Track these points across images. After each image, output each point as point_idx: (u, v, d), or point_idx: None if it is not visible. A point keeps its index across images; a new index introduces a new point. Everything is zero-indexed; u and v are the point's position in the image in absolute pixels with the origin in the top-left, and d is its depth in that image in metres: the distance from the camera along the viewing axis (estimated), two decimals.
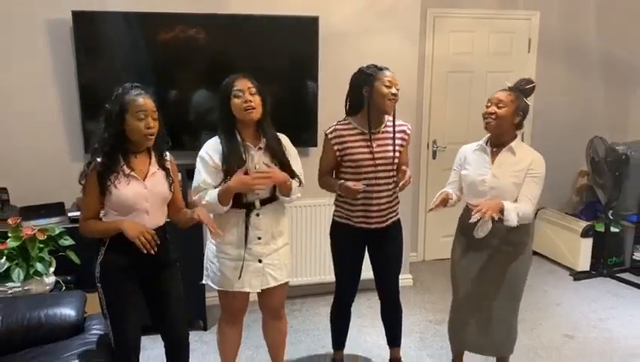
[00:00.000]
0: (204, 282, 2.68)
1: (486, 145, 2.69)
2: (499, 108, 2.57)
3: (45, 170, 3.43)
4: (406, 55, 3.92)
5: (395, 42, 3.88)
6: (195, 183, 2.51)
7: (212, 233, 2.40)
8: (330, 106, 3.67)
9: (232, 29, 3.52)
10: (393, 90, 2.62)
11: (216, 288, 2.62)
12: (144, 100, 2.23)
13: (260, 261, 2.56)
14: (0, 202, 3.27)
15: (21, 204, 3.29)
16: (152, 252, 2.21)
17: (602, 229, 4.58)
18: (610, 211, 4.54)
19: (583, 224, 4.59)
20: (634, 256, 4.59)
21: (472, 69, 4.60)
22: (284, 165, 2.54)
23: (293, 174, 2.55)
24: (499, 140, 2.65)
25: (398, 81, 2.66)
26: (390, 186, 2.76)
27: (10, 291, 2.78)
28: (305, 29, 3.62)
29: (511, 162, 2.61)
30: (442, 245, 4.48)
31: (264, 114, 2.49)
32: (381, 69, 2.66)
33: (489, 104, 2.62)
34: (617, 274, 4.51)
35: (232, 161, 2.44)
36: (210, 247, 2.62)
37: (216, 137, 2.53)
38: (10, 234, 2.76)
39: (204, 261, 2.67)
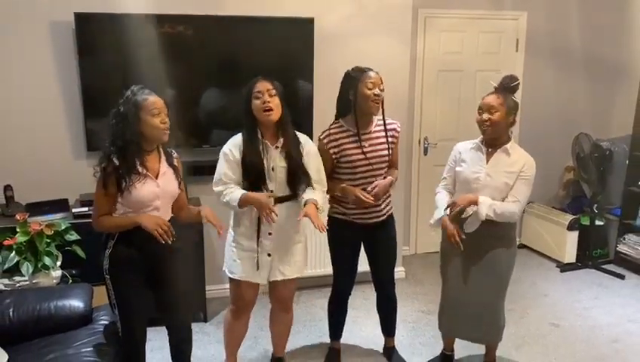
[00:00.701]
0: (223, 268, 2.78)
1: (482, 144, 2.79)
2: (492, 114, 2.66)
3: (48, 168, 3.51)
4: (398, 54, 4.04)
5: (387, 42, 4.00)
6: (216, 176, 2.62)
7: (218, 232, 2.50)
8: (325, 106, 3.76)
9: (230, 31, 3.62)
10: (375, 91, 2.69)
11: (229, 275, 2.72)
12: (155, 98, 2.35)
13: (268, 255, 2.67)
14: (5, 199, 3.35)
15: (25, 200, 3.38)
16: (169, 242, 2.32)
17: (587, 222, 4.73)
18: (595, 205, 4.70)
19: (569, 217, 4.74)
20: (618, 248, 4.75)
21: (462, 68, 4.73)
22: (298, 167, 2.62)
23: (307, 178, 2.63)
24: (495, 142, 2.75)
25: (383, 81, 2.72)
26: None
27: (18, 284, 2.89)
28: (300, 31, 3.72)
29: (505, 163, 2.72)
30: (433, 239, 4.55)
31: (283, 115, 2.59)
32: (365, 71, 2.73)
33: (481, 111, 2.70)
34: (602, 266, 4.67)
35: (249, 158, 2.56)
36: (229, 237, 2.74)
37: (240, 134, 2.64)
38: (18, 230, 2.85)
39: (226, 249, 2.78)
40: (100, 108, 3.44)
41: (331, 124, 2.87)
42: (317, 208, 2.56)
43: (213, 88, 3.68)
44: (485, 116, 2.67)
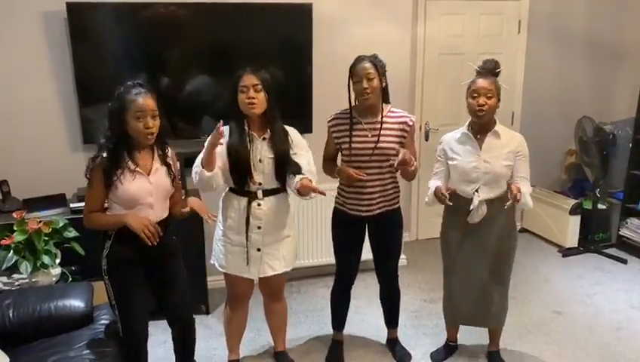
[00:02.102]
0: (211, 261, 2.81)
1: (469, 132, 2.75)
2: (488, 98, 2.63)
3: (45, 162, 3.47)
4: (398, 39, 3.96)
5: (387, 26, 3.91)
6: (196, 162, 2.56)
7: (208, 218, 2.51)
8: (325, 92, 3.73)
9: (227, 17, 3.54)
10: (363, 85, 2.62)
11: (219, 269, 2.75)
12: (143, 100, 2.26)
13: (258, 249, 2.66)
14: (2, 195, 3.30)
15: (22, 195, 3.33)
16: (155, 243, 2.29)
17: (590, 206, 4.70)
18: (598, 189, 4.67)
19: (572, 202, 4.71)
20: (620, 232, 4.72)
21: (463, 52, 4.62)
22: (285, 157, 2.60)
23: (296, 167, 2.59)
24: (485, 127, 2.72)
25: (378, 68, 2.63)
26: (383, 176, 2.80)
27: (17, 282, 2.85)
28: (299, 16, 3.64)
29: (498, 145, 2.70)
30: (434, 224, 4.49)
31: (270, 107, 2.57)
32: (354, 65, 2.68)
33: (475, 95, 2.65)
34: (604, 250, 4.65)
35: (234, 148, 2.55)
36: (217, 230, 2.74)
37: (228, 125, 2.61)
38: (16, 228, 2.81)
39: (213, 241, 2.78)
40: (94, 98, 3.40)
41: (342, 110, 2.85)
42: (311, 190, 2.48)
43: (210, 77, 3.61)
44: (482, 100, 2.63)
